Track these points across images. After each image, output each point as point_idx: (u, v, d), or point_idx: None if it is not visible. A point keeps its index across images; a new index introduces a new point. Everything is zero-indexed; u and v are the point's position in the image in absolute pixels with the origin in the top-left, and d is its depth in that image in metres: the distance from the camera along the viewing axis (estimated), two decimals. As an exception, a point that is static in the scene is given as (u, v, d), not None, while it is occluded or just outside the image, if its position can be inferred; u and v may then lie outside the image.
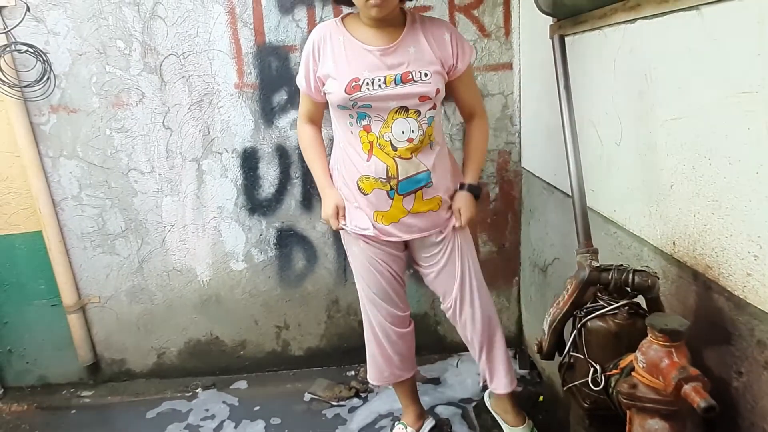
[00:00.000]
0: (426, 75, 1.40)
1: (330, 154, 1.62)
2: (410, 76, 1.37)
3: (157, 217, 2.19)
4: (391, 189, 1.42)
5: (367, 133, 1.40)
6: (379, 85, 1.36)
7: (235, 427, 2.06)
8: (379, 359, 1.69)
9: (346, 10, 1.55)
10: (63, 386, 2.37)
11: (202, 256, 2.25)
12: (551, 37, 1.29)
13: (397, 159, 1.40)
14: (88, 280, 2.24)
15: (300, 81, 1.49)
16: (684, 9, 0.96)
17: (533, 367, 2.24)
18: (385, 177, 1.41)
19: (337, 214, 1.52)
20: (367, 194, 1.44)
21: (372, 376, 1.75)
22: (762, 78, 0.79)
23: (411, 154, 1.41)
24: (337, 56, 1.39)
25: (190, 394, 2.29)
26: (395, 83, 1.36)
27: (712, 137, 0.93)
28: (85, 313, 2.27)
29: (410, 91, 1.37)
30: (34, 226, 2.13)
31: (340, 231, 1.58)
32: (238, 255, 2.26)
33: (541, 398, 1.97)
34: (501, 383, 1.66)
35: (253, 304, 2.33)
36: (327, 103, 1.49)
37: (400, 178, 1.42)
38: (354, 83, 1.35)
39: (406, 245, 1.60)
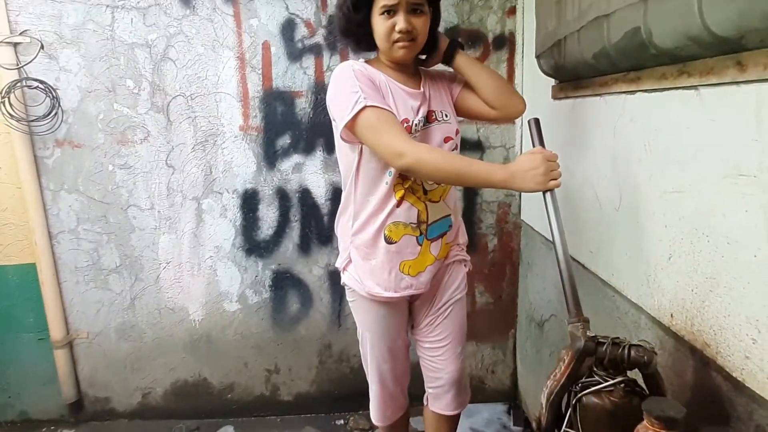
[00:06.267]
0: (446, 116, 1.43)
1: (338, 216, 1.50)
2: (434, 116, 1.40)
3: (153, 254, 2.18)
4: (421, 234, 1.40)
5: (403, 180, 1.35)
6: (418, 128, 1.35)
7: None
8: (381, 400, 1.64)
9: (352, 57, 1.58)
10: (43, 423, 2.30)
11: (196, 295, 2.23)
12: (528, 121, 1.27)
13: (427, 203, 1.39)
14: (78, 315, 2.20)
15: (370, 99, 1.23)
16: (683, 88, 0.98)
17: (527, 424, 2.19)
18: (416, 222, 1.38)
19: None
20: (395, 242, 1.38)
21: (375, 417, 1.68)
22: (759, 163, 0.80)
23: (439, 197, 1.42)
24: (385, 94, 1.31)
25: (174, 437, 2.22)
26: (426, 123, 1.37)
27: (710, 215, 0.93)
28: (72, 349, 2.23)
29: (440, 132, 1.39)
30: (28, 258, 2.12)
31: (347, 290, 1.52)
32: (233, 295, 2.24)
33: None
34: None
35: (245, 346, 2.29)
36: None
37: (429, 222, 1.40)
38: (405, 124, 1.31)
39: (411, 301, 1.56)
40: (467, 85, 1.47)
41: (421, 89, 1.40)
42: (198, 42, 2.02)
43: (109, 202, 2.12)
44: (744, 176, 0.84)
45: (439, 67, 1.51)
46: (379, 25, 1.28)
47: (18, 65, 1.93)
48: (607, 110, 1.32)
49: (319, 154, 2.13)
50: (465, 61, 1.44)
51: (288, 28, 2.04)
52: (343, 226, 1.47)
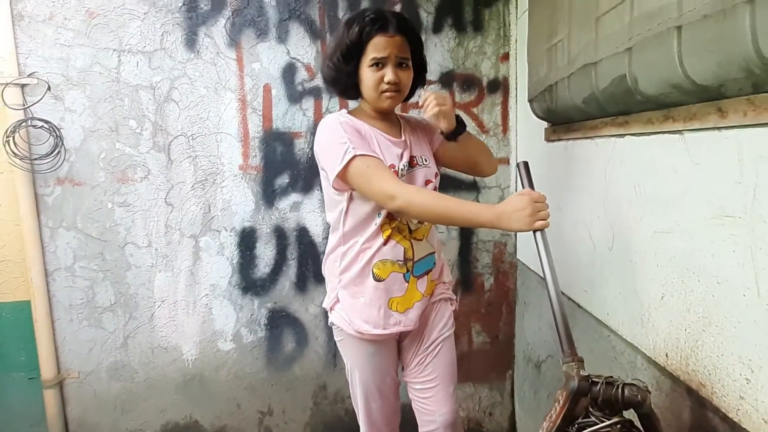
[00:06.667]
0: (426, 160, 1.49)
1: (325, 257, 1.54)
2: (416, 161, 1.45)
3: (148, 292, 2.17)
4: (407, 271, 1.43)
5: (390, 220, 1.40)
6: (403, 173, 1.41)
7: None
8: None
9: (351, 103, 1.64)
10: (28, 467, 2.23)
11: (190, 333, 2.21)
12: (517, 164, 1.31)
13: (412, 241, 1.44)
14: (70, 353, 2.17)
15: (359, 148, 1.30)
16: (668, 132, 1.02)
17: (526, 470, 2.13)
18: (402, 259, 1.42)
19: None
20: (383, 279, 1.41)
21: None
22: (743, 205, 0.82)
23: (423, 235, 1.46)
24: (371, 142, 1.37)
25: (162, 483, 2.15)
26: (409, 168, 1.43)
27: (700, 255, 0.95)
28: (62, 389, 2.18)
29: (422, 175, 1.44)
30: (23, 296, 2.11)
31: (335, 329, 1.52)
32: (227, 334, 2.22)
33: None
34: None
35: (238, 387, 2.25)
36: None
37: (415, 259, 1.44)
38: (392, 170, 1.37)
39: (399, 340, 1.57)
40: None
41: (403, 137, 1.47)
42: (201, 84, 2.08)
43: (106, 239, 2.12)
44: (730, 217, 0.86)
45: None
46: (368, 76, 1.35)
47: (24, 106, 1.98)
48: (598, 152, 1.36)
49: (316, 194, 2.16)
50: (463, 138, 1.51)
51: (289, 71, 2.11)
52: (330, 266, 1.51)
